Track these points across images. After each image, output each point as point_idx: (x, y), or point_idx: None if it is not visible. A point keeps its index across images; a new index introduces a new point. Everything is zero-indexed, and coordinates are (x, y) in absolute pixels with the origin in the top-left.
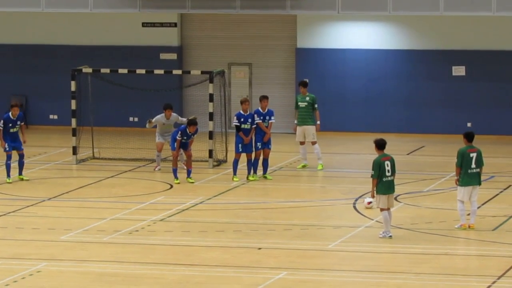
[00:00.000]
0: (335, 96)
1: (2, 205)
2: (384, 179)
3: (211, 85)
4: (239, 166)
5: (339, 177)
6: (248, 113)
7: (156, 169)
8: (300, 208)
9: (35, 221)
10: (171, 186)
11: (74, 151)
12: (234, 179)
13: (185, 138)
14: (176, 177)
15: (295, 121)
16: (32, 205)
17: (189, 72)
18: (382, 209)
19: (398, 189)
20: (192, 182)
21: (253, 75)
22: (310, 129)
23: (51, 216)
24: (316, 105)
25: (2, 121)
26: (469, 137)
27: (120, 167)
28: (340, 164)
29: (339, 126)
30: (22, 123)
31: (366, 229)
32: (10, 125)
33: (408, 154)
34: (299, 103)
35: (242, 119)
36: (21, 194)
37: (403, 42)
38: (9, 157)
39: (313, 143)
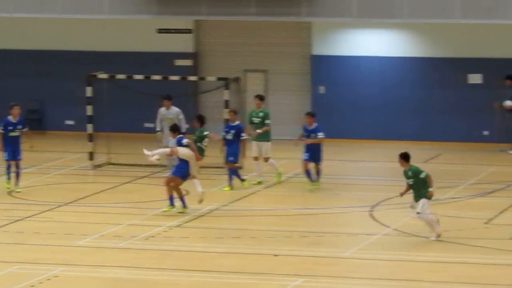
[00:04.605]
0: (349, 103)
1: (19, 210)
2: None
3: (226, 91)
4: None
5: (353, 185)
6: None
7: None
8: (317, 215)
9: (51, 226)
10: (187, 192)
11: (90, 156)
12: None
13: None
14: (241, 179)
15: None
16: (48, 210)
17: (204, 79)
18: None
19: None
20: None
21: (268, 82)
22: (264, 145)
23: (68, 221)
24: (266, 121)
25: (2, 124)
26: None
27: (136, 173)
28: (354, 171)
29: (353, 134)
30: (25, 129)
31: (383, 237)
32: (11, 128)
33: (424, 162)
34: (253, 118)
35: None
36: (37, 199)
37: (418, 49)
38: (9, 167)
39: (266, 159)
